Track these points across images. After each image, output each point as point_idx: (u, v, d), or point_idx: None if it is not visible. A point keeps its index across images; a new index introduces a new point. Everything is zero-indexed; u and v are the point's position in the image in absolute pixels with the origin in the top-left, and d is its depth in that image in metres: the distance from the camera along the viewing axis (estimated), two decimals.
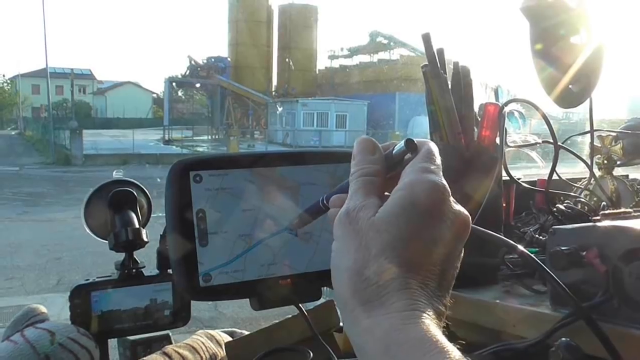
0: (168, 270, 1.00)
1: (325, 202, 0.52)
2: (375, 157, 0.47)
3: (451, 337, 0.37)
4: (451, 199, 0.43)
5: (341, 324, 0.94)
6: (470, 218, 0.44)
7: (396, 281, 0.39)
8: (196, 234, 0.61)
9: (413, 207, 0.41)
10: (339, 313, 0.95)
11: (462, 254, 0.45)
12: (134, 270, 0.99)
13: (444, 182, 0.42)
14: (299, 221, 0.59)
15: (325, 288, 0.69)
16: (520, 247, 0.68)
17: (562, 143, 1.02)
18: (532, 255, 0.68)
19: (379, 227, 0.41)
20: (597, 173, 1.15)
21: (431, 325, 0.37)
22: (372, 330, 0.38)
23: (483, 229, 0.70)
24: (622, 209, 0.82)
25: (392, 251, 0.40)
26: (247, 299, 0.66)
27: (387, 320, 0.37)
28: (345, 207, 0.44)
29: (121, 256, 1.00)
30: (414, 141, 0.45)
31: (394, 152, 0.46)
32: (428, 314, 0.38)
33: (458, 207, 0.43)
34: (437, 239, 0.41)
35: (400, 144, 0.46)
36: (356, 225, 0.42)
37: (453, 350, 0.36)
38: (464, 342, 0.39)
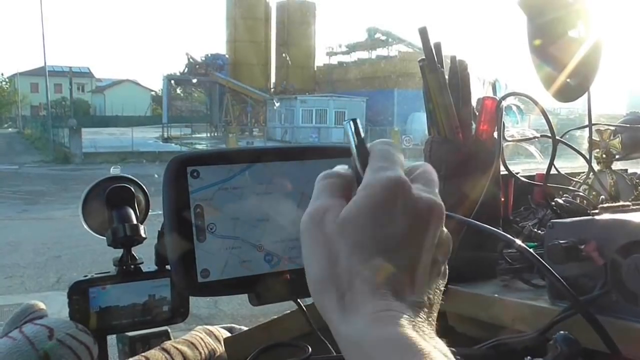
0: (166, 266, 1.00)
1: None
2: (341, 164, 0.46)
3: (450, 331, 0.37)
4: (412, 189, 0.41)
5: None
6: (436, 202, 0.41)
7: (365, 286, 0.38)
8: (194, 229, 0.61)
9: (371, 205, 0.39)
10: None
11: (446, 239, 0.43)
12: (132, 267, 0.99)
13: (400, 174, 0.41)
14: None
15: None
16: (518, 241, 0.68)
17: (561, 137, 1.02)
18: (530, 249, 0.68)
19: (344, 230, 0.39)
20: (596, 167, 1.15)
21: (406, 327, 0.36)
22: (348, 337, 0.37)
23: (481, 224, 0.70)
24: (621, 203, 0.82)
25: (359, 255, 0.39)
26: (246, 295, 0.66)
27: (361, 326, 0.37)
28: (309, 210, 0.42)
29: (120, 253, 1.00)
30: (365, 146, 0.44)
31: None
32: (404, 314, 0.37)
33: (422, 194, 0.41)
34: (399, 233, 0.40)
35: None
36: (323, 230, 0.40)
37: (431, 352, 0.34)
38: (447, 343, 0.38)
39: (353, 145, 0.44)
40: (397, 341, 0.35)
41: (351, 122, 0.44)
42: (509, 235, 0.70)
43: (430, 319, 0.39)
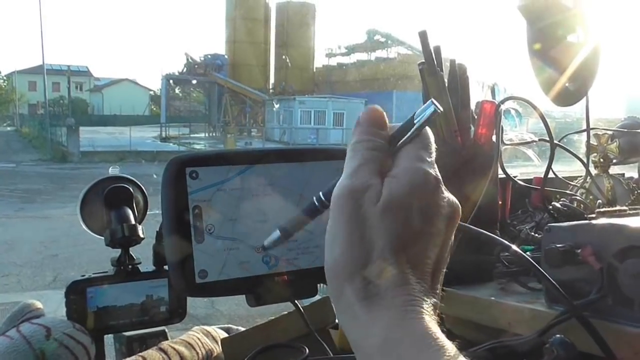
0: (164, 267, 1.00)
1: (323, 199, 0.44)
2: (383, 133, 0.42)
3: (447, 334, 0.37)
4: (443, 189, 0.41)
5: (337, 320, 0.94)
6: (459, 206, 0.42)
7: (396, 277, 0.38)
8: (192, 230, 0.61)
9: (410, 200, 0.39)
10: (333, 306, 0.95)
11: (452, 243, 0.43)
12: (129, 267, 0.99)
13: (438, 174, 0.41)
14: (297, 224, 0.48)
15: (321, 285, 0.69)
16: (514, 246, 0.68)
17: (559, 141, 1.03)
18: (525, 254, 0.68)
19: (384, 217, 0.38)
20: (593, 171, 1.15)
21: (430, 321, 0.36)
22: (370, 325, 0.37)
23: (477, 229, 0.70)
24: (618, 207, 0.82)
25: (395, 248, 0.38)
26: (243, 296, 0.66)
27: (386, 316, 0.37)
28: (348, 183, 0.40)
29: (117, 252, 1.00)
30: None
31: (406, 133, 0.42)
32: (427, 310, 0.37)
33: (450, 197, 0.41)
34: (432, 232, 0.39)
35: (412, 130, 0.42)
36: (360, 210, 0.38)
37: (451, 348, 0.35)
38: (457, 341, 0.39)
39: (416, 120, 0.42)
40: (421, 335, 0.35)
41: (433, 107, 0.41)
42: (504, 240, 0.70)
43: None
